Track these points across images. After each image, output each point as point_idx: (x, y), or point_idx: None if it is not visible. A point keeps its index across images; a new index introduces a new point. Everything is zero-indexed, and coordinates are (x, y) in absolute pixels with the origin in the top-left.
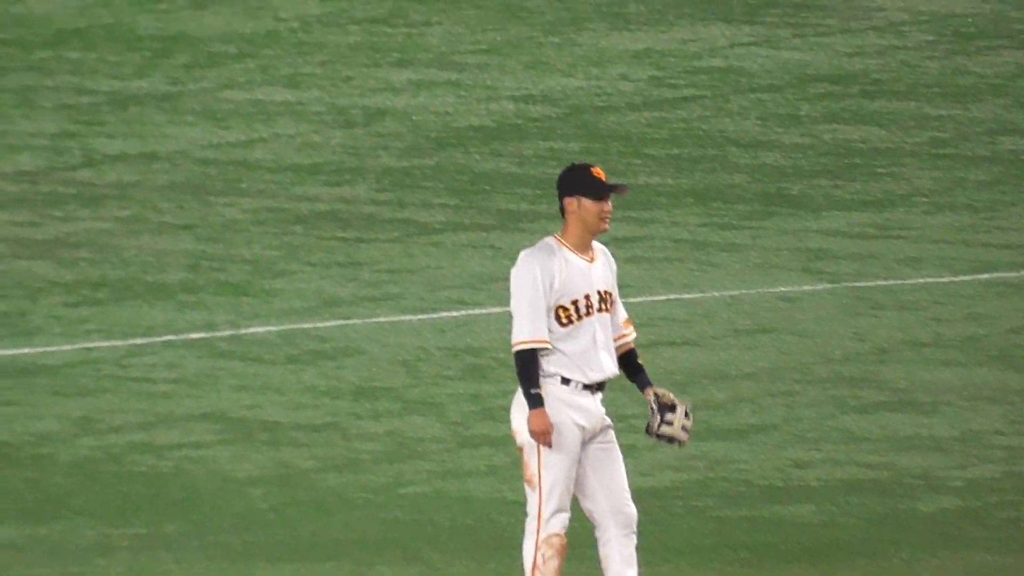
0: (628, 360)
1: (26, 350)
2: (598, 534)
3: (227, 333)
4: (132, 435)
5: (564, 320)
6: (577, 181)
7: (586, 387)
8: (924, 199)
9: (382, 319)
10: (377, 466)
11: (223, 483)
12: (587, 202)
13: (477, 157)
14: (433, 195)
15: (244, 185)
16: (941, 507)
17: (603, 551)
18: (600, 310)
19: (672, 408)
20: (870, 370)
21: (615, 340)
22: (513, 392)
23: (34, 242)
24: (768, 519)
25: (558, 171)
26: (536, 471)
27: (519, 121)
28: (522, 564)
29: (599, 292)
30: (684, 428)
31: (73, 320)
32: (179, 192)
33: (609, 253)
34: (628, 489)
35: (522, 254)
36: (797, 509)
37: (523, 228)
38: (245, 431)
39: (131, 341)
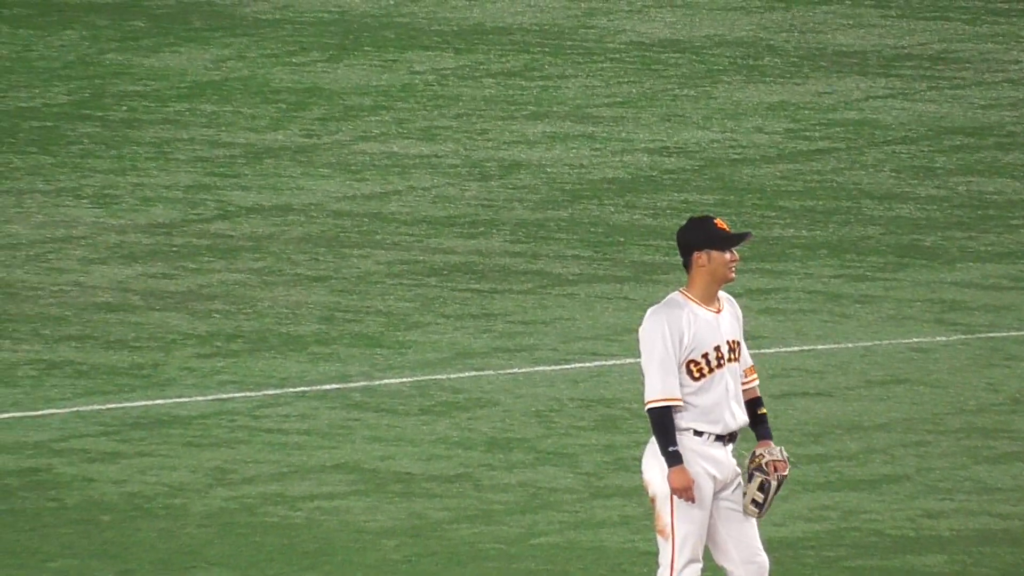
0: (750, 409)
1: (159, 401)
2: None
3: (360, 384)
4: (265, 486)
5: (696, 374)
6: (704, 234)
7: (718, 438)
8: None
9: (515, 370)
10: (510, 517)
11: (356, 534)
12: (716, 254)
13: (611, 209)
14: (567, 247)
15: (379, 237)
16: None
17: None
18: (730, 360)
19: (749, 478)
20: (1003, 420)
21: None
22: (645, 443)
23: (168, 294)
24: (900, 569)
25: None
26: (669, 522)
27: (654, 173)
28: None
29: (728, 343)
30: (755, 502)
31: (206, 372)
32: (314, 244)
33: (734, 300)
34: (759, 539)
35: (649, 312)
36: (929, 559)
37: (657, 280)
38: (378, 482)
39: (264, 392)
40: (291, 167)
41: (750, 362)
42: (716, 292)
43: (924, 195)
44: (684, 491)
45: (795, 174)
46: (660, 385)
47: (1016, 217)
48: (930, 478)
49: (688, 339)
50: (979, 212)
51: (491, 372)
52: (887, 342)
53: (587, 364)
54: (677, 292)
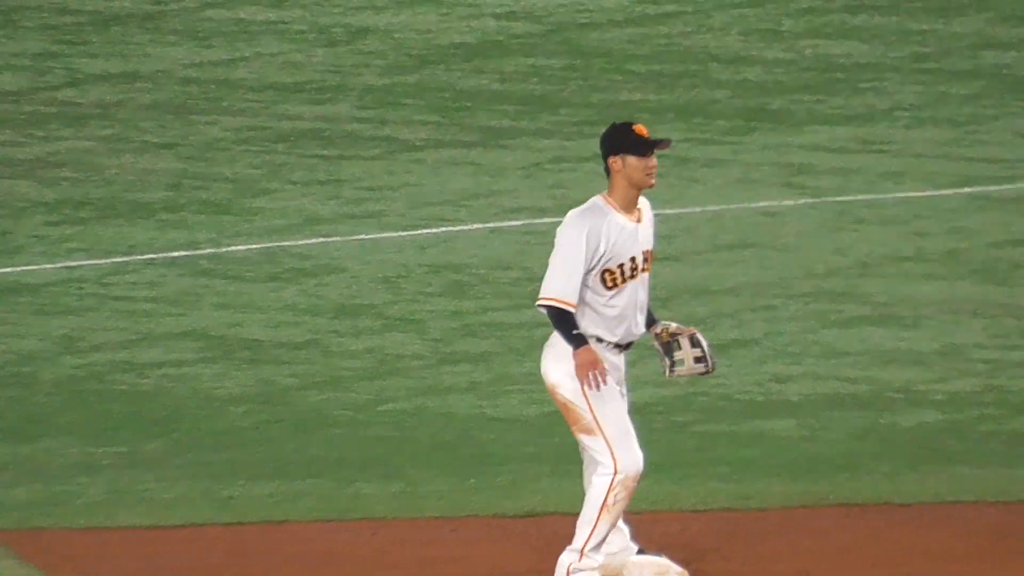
0: (648, 316)
1: (8, 269)
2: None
3: (209, 251)
4: (114, 354)
5: (609, 284)
6: (620, 139)
7: (617, 346)
8: (906, 113)
9: (363, 236)
10: (358, 383)
11: (204, 401)
12: (632, 159)
13: (459, 74)
14: (415, 112)
15: (226, 104)
16: (922, 421)
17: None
18: (643, 270)
19: (673, 345)
20: (851, 284)
21: None
22: (494, 310)
23: (16, 161)
24: (749, 434)
25: (539, 88)
26: (591, 417)
27: (501, 38)
28: (587, 497)
29: (644, 252)
30: (697, 359)
31: (55, 239)
32: (161, 111)
33: (649, 205)
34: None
35: (572, 214)
36: (778, 424)
37: (504, 145)
38: (226, 349)
39: (113, 260)
40: (138, 34)
41: None
42: (635, 199)
43: (771, 58)
44: (593, 364)
45: (642, 38)
46: (561, 285)
47: (863, 80)
48: (778, 342)
49: (606, 248)
50: (826, 75)
51: (339, 238)
52: (735, 206)
53: (435, 230)
54: (599, 197)
